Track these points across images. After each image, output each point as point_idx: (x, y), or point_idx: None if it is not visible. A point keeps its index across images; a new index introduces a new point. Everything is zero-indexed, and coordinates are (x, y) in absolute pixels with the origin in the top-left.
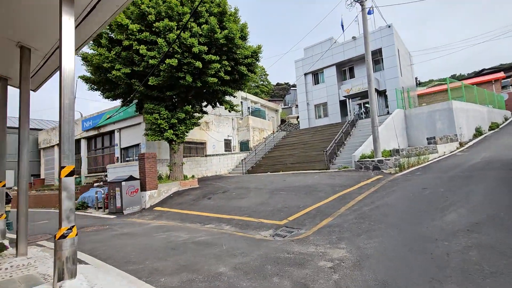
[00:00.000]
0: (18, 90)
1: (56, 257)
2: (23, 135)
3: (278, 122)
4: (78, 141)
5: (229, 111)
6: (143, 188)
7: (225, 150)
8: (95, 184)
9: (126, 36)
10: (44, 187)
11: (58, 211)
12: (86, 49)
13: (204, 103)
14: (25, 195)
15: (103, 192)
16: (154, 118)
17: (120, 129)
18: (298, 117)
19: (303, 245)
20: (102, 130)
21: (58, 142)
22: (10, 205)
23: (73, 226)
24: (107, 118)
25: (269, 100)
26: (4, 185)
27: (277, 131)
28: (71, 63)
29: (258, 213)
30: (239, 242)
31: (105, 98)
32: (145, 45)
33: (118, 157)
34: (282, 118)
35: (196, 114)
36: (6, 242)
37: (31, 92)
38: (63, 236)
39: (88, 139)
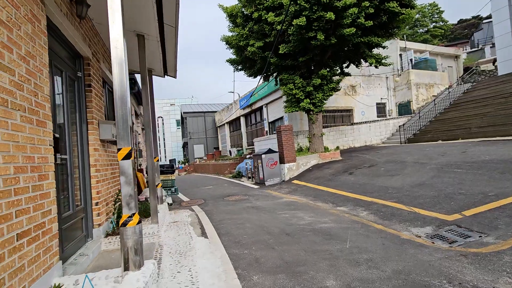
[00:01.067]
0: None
1: (121, 245)
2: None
3: (458, 73)
4: (238, 119)
5: (376, 67)
6: (281, 160)
7: (378, 116)
8: (247, 156)
9: (255, 7)
10: (221, 157)
11: (223, 178)
12: (227, 32)
13: (346, 64)
14: (152, 171)
15: (250, 163)
16: (289, 89)
17: (266, 104)
18: (495, 60)
19: (488, 269)
20: (254, 106)
21: (227, 120)
22: (174, 174)
23: (133, 214)
24: (251, 96)
25: (445, 46)
26: (158, 160)
27: (456, 84)
28: (120, 47)
29: (413, 198)
30: (372, 241)
31: (248, 76)
32: (272, 11)
33: (267, 131)
34: (466, 66)
35: (335, 78)
36: (169, 200)
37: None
38: (124, 224)
39: (245, 116)
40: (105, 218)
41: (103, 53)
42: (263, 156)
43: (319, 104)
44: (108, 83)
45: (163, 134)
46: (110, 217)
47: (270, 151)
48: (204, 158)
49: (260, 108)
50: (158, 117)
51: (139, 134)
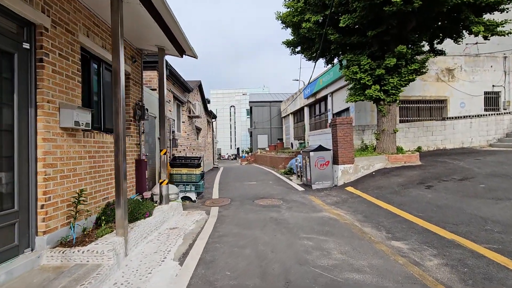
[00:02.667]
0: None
1: None
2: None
3: None
4: (302, 109)
5: (486, 38)
6: (335, 160)
7: (486, 109)
8: (302, 151)
9: None
10: (282, 149)
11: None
12: (282, 8)
13: (437, 40)
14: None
15: (298, 159)
16: (352, 72)
17: (332, 93)
18: None
19: None
20: (318, 96)
21: (292, 111)
22: (200, 168)
23: None
24: (310, 83)
25: None
26: (165, 153)
27: None
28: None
29: None
30: None
31: (308, 59)
32: None
33: (330, 123)
34: None
35: (419, 57)
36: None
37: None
38: None
39: (309, 106)
40: (60, 223)
41: (87, 24)
42: (311, 154)
43: (393, 91)
44: (100, 61)
45: (234, 122)
46: (71, 221)
47: (320, 148)
48: (267, 148)
49: (325, 98)
50: (231, 106)
51: (182, 122)
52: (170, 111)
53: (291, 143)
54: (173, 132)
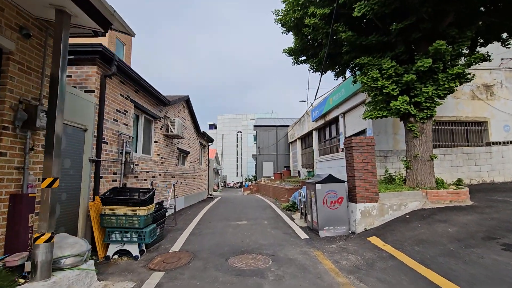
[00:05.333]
0: None
1: None
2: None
3: None
4: (310, 133)
5: None
6: (351, 196)
7: None
8: (305, 182)
9: None
10: (289, 178)
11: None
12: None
13: (482, 40)
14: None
15: (302, 193)
16: (371, 79)
17: (343, 113)
18: None
19: None
20: (328, 117)
21: (299, 136)
22: (148, 207)
23: None
24: (316, 101)
25: None
26: (50, 185)
27: None
28: None
29: None
30: None
31: (314, 70)
32: None
33: (342, 148)
34: None
35: (460, 63)
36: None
37: None
38: None
39: (318, 129)
40: None
41: None
42: (318, 186)
43: (428, 104)
44: None
45: (241, 149)
46: None
47: (330, 179)
48: (272, 177)
49: (336, 120)
50: (237, 132)
51: (154, 142)
52: (125, 124)
53: (299, 171)
54: (128, 153)
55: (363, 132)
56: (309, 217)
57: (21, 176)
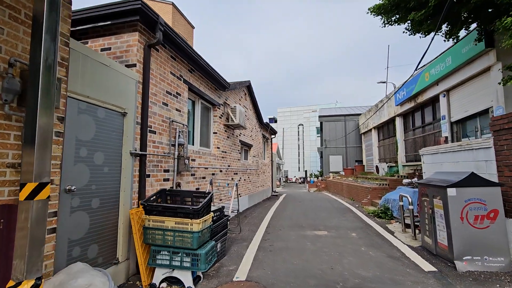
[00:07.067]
0: None
1: None
2: None
3: None
4: (391, 121)
5: None
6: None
7: None
8: (404, 181)
9: None
10: (363, 174)
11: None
12: None
13: None
14: None
15: (410, 198)
16: None
17: (447, 90)
18: None
19: None
20: (420, 99)
21: (375, 125)
22: (203, 219)
23: None
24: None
25: None
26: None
27: None
28: None
29: None
30: None
31: (412, 32)
32: None
33: (446, 137)
34: None
35: None
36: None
37: None
38: None
39: (404, 115)
40: None
41: None
42: (450, 191)
43: None
44: None
45: (303, 142)
46: None
47: (472, 180)
48: (341, 172)
49: (433, 100)
50: (299, 125)
51: (213, 133)
52: (178, 110)
53: (376, 167)
54: (181, 145)
55: (485, 112)
56: (427, 235)
57: (18, 177)
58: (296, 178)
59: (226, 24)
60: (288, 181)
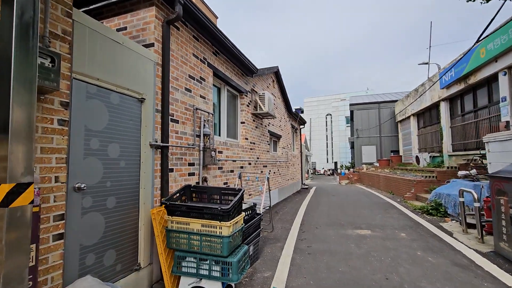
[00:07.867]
0: None
1: None
2: None
3: None
4: (434, 106)
5: None
6: None
7: None
8: (459, 173)
9: None
10: (401, 165)
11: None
12: None
13: None
14: None
15: (475, 193)
16: None
17: (509, 67)
18: None
19: None
20: (472, 80)
21: (414, 111)
22: (234, 220)
23: None
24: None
25: None
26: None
27: None
28: None
29: None
30: None
31: None
32: None
33: (508, 122)
34: None
35: None
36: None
37: None
38: None
39: (450, 100)
40: None
41: None
42: None
43: None
44: None
45: (331, 133)
46: None
47: None
48: (375, 164)
49: (489, 80)
50: (327, 115)
51: (241, 122)
52: (202, 97)
53: (417, 157)
54: (207, 135)
55: None
56: (504, 239)
57: None
58: (325, 170)
59: (248, 15)
60: (316, 173)
